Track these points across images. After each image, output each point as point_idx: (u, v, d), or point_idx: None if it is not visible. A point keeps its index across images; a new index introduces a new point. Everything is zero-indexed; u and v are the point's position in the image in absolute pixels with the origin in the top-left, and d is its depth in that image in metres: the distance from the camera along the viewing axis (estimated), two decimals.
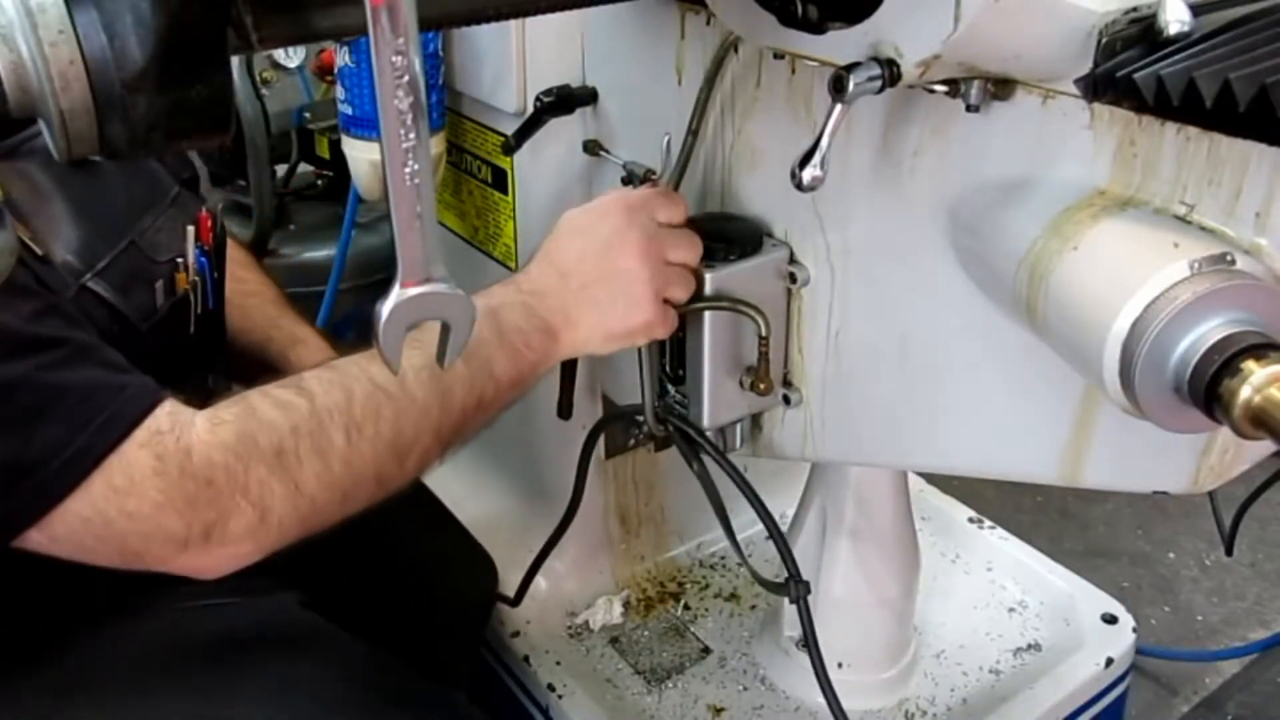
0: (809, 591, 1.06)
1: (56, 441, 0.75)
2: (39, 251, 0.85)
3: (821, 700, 1.33)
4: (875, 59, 0.69)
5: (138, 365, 0.90)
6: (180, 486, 0.76)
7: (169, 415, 0.78)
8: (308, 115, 1.98)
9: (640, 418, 1.07)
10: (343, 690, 0.98)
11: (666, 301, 0.92)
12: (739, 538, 1.10)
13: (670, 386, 1.05)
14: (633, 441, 1.46)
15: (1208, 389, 0.61)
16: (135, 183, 1.01)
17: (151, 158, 1.02)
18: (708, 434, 1.05)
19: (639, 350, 1.02)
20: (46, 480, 0.75)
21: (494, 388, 0.88)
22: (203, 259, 1.03)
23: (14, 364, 0.76)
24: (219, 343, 1.13)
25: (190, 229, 1.01)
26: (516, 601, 1.40)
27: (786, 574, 1.06)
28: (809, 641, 1.05)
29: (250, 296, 1.22)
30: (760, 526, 1.27)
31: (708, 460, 1.06)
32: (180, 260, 1.00)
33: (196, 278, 1.01)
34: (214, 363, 1.12)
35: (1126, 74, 0.65)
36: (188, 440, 0.77)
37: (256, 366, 1.17)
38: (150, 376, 0.83)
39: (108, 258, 0.92)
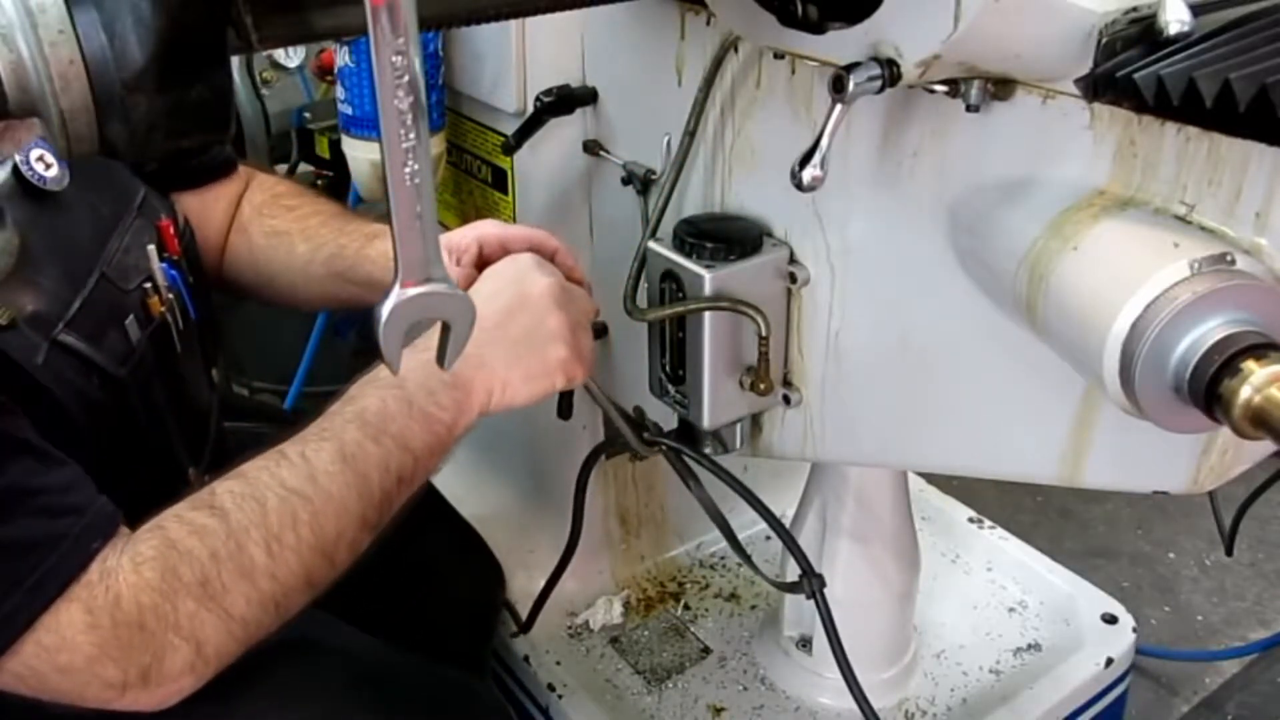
0: (824, 584, 1.06)
1: None
2: (3, 321, 0.82)
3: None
4: (875, 59, 0.69)
5: (125, 405, 0.88)
6: (113, 636, 0.75)
7: (98, 563, 0.76)
8: (308, 115, 1.98)
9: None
10: (354, 693, 0.98)
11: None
12: (738, 539, 1.10)
13: (670, 386, 1.05)
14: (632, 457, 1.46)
15: (1208, 389, 0.61)
16: (100, 199, 0.96)
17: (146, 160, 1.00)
18: (706, 435, 1.05)
19: (591, 390, 1.02)
20: None
21: (412, 461, 0.86)
22: (173, 271, 0.99)
23: None
24: (214, 336, 1.11)
25: (151, 247, 0.97)
26: (527, 627, 1.40)
27: (799, 572, 1.06)
28: (829, 633, 1.06)
29: (309, 219, 1.18)
30: (759, 527, 1.28)
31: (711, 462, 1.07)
32: (149, 284, 0.96)
33: (170, 295, 0.98)
34: (214, 359, 1.11)
35: (1126, 74, 0.65)
36: (116, 588, 0.75)
37: (332, 283, 1.13)
38: (117, 462, 0.81)
39: (78, 301, 0.89)
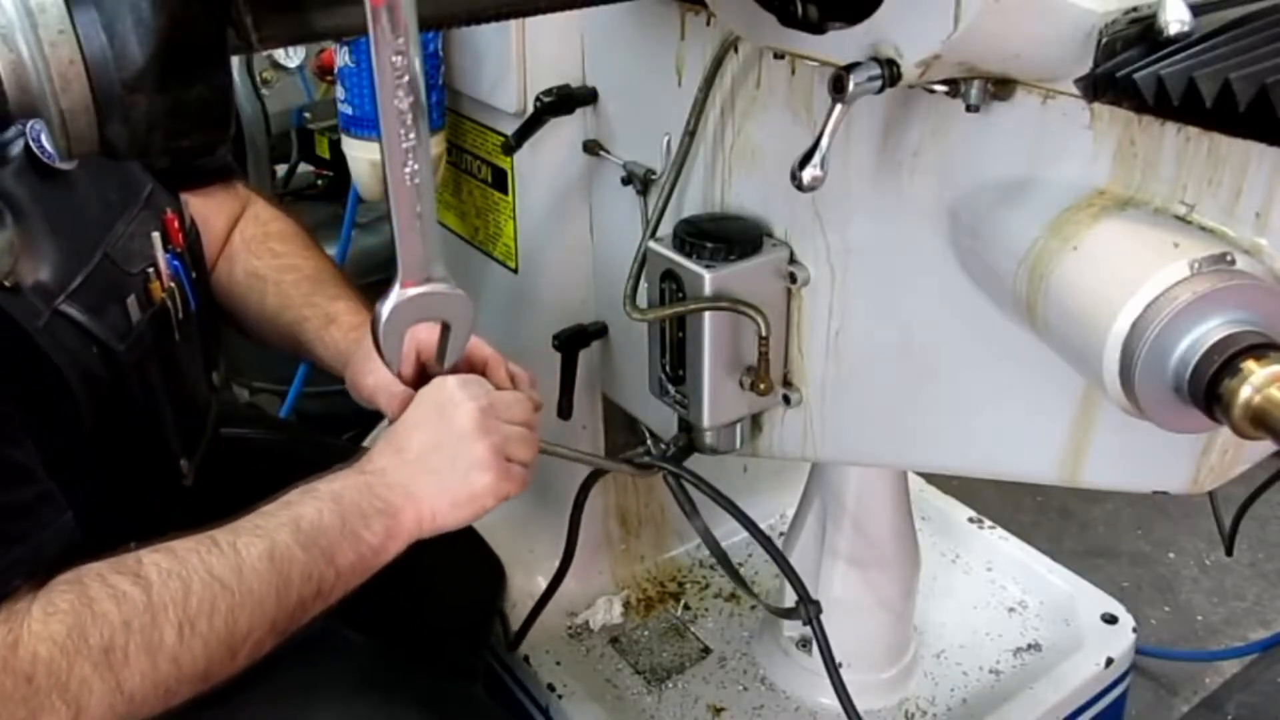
0: (820, 611, 1.06)
1: None
2: (8, 284, 0.82)
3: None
4: (875, 59, 0.69)
5: (122, 382, 0.88)
6: None
7: (9, 602, 0.74)
8: (308, 115, 1.98)
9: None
10: (361, 693, 0.98)
11: (511, 461, 0.93)
12: (734, 542, 1.10)
13: (670, 387, 1.05)
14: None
15: (1208, 389, 0.61)
16: (107, 186, 0.98)
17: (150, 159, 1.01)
18: (705, 436, 1.05)
19: (560, 454, 1.01)
20: None
21: (334, 575, 0.86)
22: (175, 262, 1.01)
23: None
24: (215, 338, 1.12)
25: (156, 235, 0.98)
26: (516, 643, 1.40)
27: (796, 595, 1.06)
28: (825, 657, 1.06)
29: (286, 272, 1.17)
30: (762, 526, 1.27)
31: (713, 463, 1.07)
32: (151, 269, 0.97)
33: (172, 283, 0.99)
34: (215, 359, 1.12)
35: (1126, 74, 0.65)
36: (18, 632, 0.73)
37: (291, 345, 1.14)
38: (90, 478, 0.80)
39: (81, 276, 0.89)
